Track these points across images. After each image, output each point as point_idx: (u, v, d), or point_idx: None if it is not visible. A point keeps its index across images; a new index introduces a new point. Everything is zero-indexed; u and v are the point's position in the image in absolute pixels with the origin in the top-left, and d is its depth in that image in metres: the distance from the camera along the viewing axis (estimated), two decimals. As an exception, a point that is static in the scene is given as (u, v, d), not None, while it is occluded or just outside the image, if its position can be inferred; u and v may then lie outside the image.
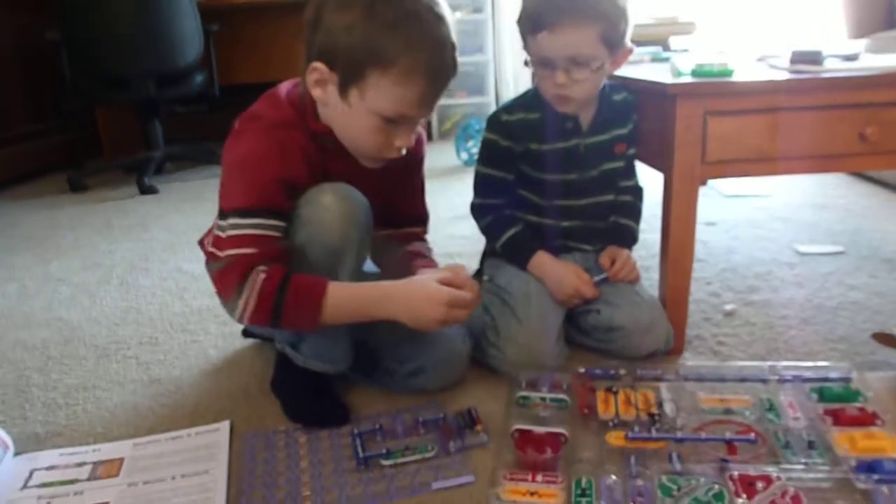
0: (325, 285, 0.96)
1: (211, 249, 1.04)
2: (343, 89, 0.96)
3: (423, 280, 1.01)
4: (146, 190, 2.88)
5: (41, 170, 3.37)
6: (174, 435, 1.06)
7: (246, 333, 1.37)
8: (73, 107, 3.50)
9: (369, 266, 1.19)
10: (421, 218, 1.24)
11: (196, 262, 1.89)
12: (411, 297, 0.99)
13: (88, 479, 0.97)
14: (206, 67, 3.09)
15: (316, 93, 0.99)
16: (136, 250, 2.09)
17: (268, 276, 0.95)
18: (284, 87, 1.07)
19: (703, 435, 0.94)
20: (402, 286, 1.01)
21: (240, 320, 0.99)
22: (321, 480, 0.93)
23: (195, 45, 2.93)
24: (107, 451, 1.04)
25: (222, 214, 1.00)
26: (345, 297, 0.98)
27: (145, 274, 1.87)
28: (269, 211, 0.97)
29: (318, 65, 0.96)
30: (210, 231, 1.14)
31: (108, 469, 0.99)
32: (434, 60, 0.95)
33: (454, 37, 0.97)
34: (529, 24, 1.14)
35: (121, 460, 1.01)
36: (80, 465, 1.00)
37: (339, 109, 0.98)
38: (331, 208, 0.99)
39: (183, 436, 1.06)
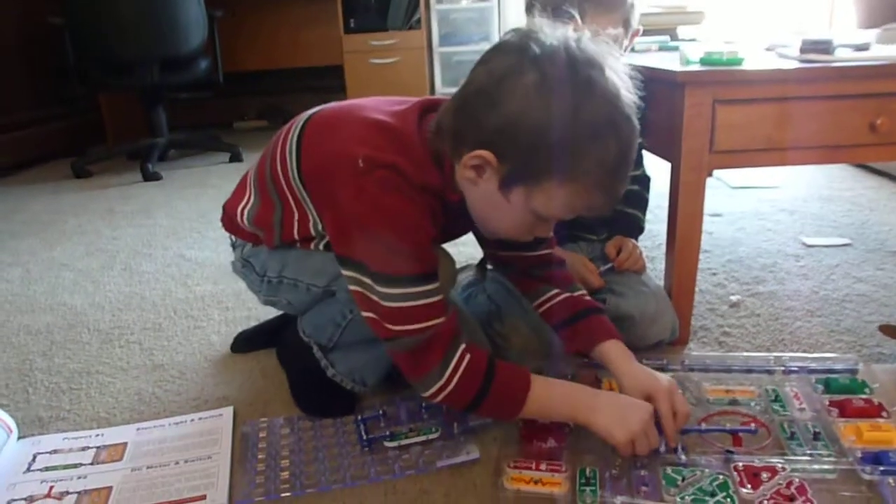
0: (528, 378, 0.89)
1: (369, 315, 0.88)
2: (507, 185, 0.82)
3: (634, 400, 0.91)
4: (150, 176, 2.88)
5: (45, 156, 3.37)
6: (177, 420, 1.07)
7: (235, 349, 1.30)
8: (76, 93, 3.49)
9: None
10: (541, 239, 1.08)
11: (199, 249, 1.89)
12: (613, 411, 0.89)
13: (92, 464, 0.97)
14: (209, 54, 3.08)
15: (466, 174, 0.83)
16: (139, 236, 2.08)
17: (473, 357, 0.87)
18: (415, 131, 0.89)
19: (708, 426, 0.93)
20: (607, 399, 0.92)
21: (431, 398, 0.88)
22: (325, 463, 0.93)
23: (199, 31, 2.92)
24: (110, 435, 1.04)
25: (382, 279, 0.86)
26: (549, 395, 0.91)
27: (148, 260, 1.86)
28: (435, 276, 0.88)
29: (488, 156, 0.80)
30: (239, 196, 1.05)
31: (111, 453, 0.99)
32: (616, 176, 0.82)
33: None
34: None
35: (124, 445, 1.01)
36: (84, 449, 1.00)
37: (487, 195, 0.85)
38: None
39: (186, 421, 1.06)
